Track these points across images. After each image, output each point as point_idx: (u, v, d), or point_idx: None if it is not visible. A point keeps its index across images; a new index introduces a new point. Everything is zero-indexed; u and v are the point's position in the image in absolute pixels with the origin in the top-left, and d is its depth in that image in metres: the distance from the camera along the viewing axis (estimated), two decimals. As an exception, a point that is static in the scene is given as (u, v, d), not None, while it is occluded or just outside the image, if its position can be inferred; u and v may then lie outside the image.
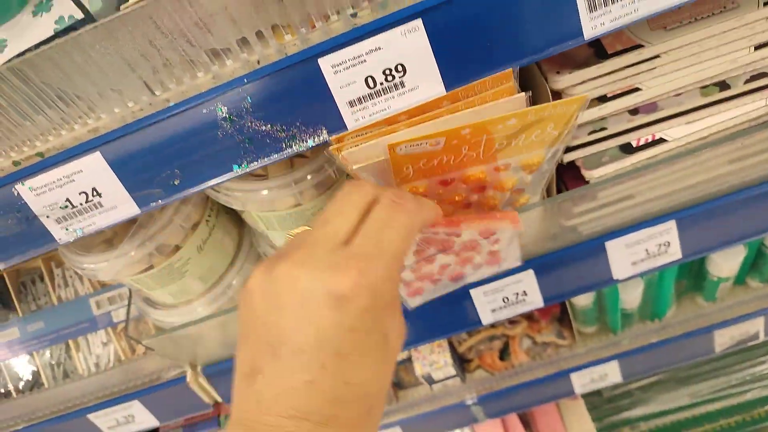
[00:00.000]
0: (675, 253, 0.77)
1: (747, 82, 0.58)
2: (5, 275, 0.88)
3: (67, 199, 0.49)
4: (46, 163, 0.47)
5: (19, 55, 0.43)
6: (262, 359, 0.37)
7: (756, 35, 0.55)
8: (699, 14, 0.55)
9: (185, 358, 0.81)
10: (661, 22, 0.56)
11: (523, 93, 0.47)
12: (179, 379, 0.83)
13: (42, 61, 0.42)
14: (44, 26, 0.45)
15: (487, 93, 0.47)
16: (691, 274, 1.01)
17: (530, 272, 0.76)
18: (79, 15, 0.43)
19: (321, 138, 0.48)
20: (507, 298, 0.79)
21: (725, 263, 0.91)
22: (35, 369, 0.87)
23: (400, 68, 0.45)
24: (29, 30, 0.45)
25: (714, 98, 0.59)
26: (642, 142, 0.61)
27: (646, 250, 0.76)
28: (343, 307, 0.35)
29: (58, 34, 0.44)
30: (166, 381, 0.84)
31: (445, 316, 0.80)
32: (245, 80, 0.45)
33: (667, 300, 0.98)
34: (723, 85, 0.59)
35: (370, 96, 0.46)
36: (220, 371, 0.82)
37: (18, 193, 0.49)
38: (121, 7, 0.41)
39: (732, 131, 0.62)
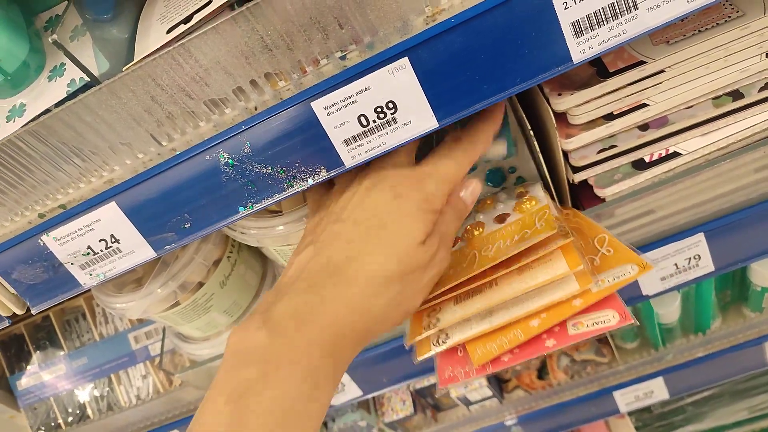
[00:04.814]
0: (707, 266, 0.74)
1: (762, 89, 0.56)
2: (51, 314, 0.93)
3: (89, 247, 0.52)
4: (67, 214, 0.51)
5: (34, 119, 0.46)
6: (330, 250, 0.46)
7: (766, 42, 0.53)
8: (702, 25, 0.53)
9: (219, 389, 0.83)
10: (663, 36, 0.54)
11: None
12: (215, 409, 0.85)
13: (55, 122, 0.45)
14: (58, 89, 0.48)
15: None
16: (735, 284, 0.97)
17: (554, 292, 0.75)
18: (87, 78, 0.46)
19: (320, 177, 0.49)
20: (533, 319, 0.78)
21: (767, 272, 0.87)
22: (81, 402, 0.92)
23: (391, 105, 0.46)
24: (45, 94, 0.49)
25: (728, 108, 0.57)
26: (655, 157, 0.60)
27: (676, 265, 0.74)
28: (400, 197, 0.46)
29: (70, 96, 0.48)
30: (202, 411, 0.86)
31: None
32: (243, 127, 0.47)
33: (708, 312, 0.94)
34: (736, 95, 0.57)
35: (364, 134, 0.47)
36: (254, 400, 0.84)
37: (44, 243, 0.52)
38: (123, 68, 0.44)
39: (752, 140, 0.59)
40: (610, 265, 0.49)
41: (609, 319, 0.46)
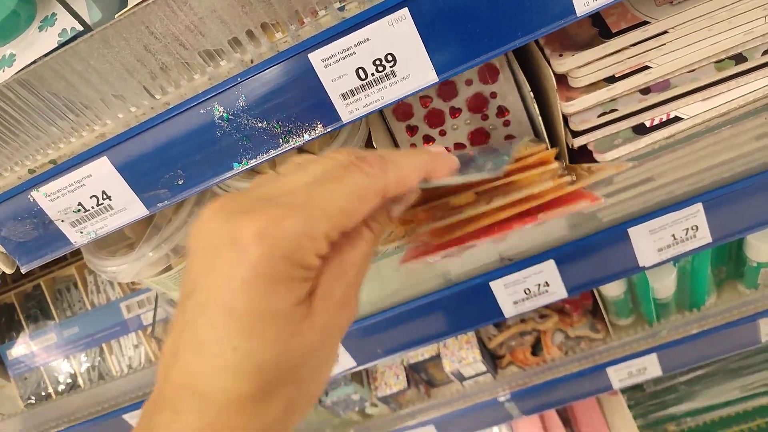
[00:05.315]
0: (704, 237, 0.74)
1: (765, 53, 0.56)
2: (42, 283, 0.92)
3: (80, 203, 0.51)
4: (57, 169, 0.50)
5: (24, 68, 0.45)
6: (177, 314, 0.33)
7: (771, 3, 0.53)
8: (707, -15, 0.53)
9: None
10: (667, -4, 0.54)
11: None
12: (208, 379, 0.85)
13: (45, 71, 0.44)
14: (49, 39, 0.47)
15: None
16: (731, 260, 0.97)
17: (551, 263, 0.75)
18: (80, 27, 0.45)
19: (317, 132, 0.48)
20: (528, 289, 0.78)
21: (764, 246, 0.86)
22: (72, 372, 0.91)
23: (390, 58, 0.45)
24: (36, 44, 0.47)
25: (730, 72, 0.56)
26: (656, 122, 0.59)
27: (673, 236, 0.73)
28: (240, 254, 0.30)
29: (61, 46, 0.46)
30: (196, 381, 0.86)
31: (465, 310, 0.79)
32: (239, 79, 0.46)
33: (704, 288, 0.94)
34: (739, 58, 0.56)
35: (362, 87, 0.46)
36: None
37: (34, 199, 0.51)
38: (116, 15, 0.43)
39: (754, 105, 0.59)
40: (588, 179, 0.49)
41: (579, 204, 0.47)
